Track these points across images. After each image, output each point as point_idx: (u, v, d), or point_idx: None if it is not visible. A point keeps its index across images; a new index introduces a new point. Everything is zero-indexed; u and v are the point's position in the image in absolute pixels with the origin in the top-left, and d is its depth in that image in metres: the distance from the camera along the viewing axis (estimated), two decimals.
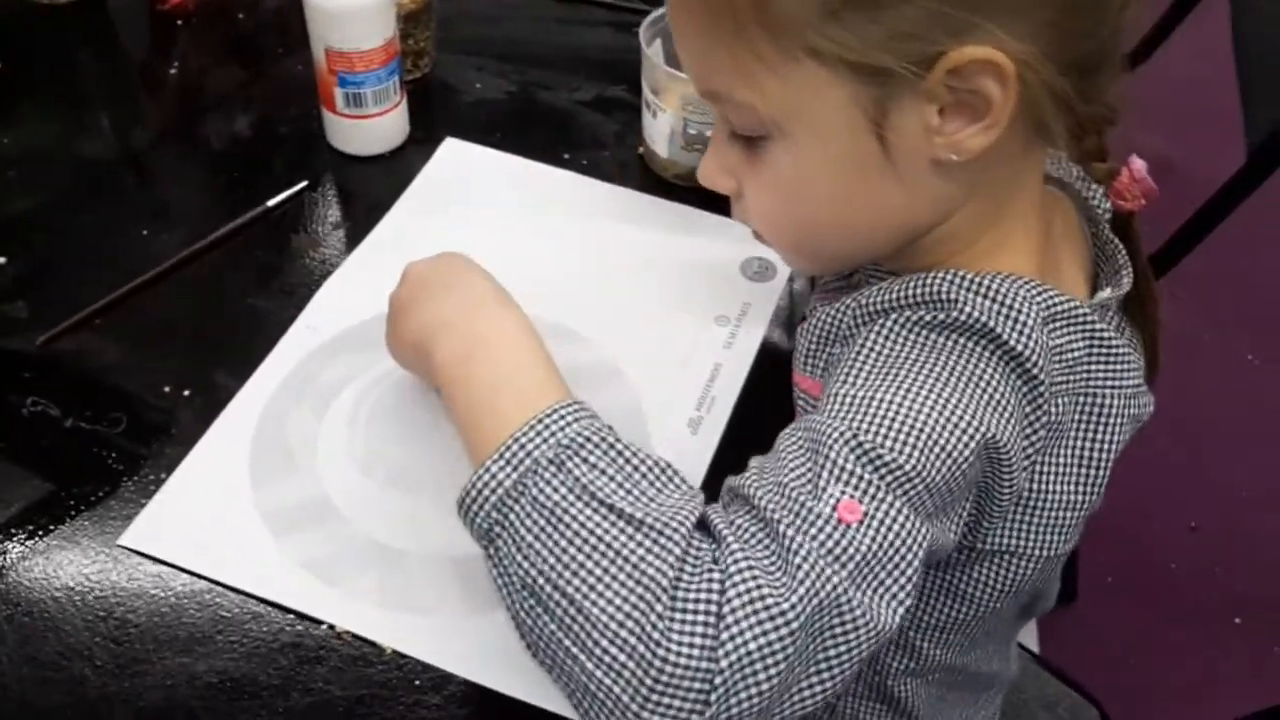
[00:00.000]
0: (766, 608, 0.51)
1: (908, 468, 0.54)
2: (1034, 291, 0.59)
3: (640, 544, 0.53)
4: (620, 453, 0.57)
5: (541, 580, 0.54)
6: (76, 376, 0.79)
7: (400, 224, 0.88)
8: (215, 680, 0.64)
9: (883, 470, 0.54)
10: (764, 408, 0.77)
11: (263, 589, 0.67)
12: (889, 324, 0.59)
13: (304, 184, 0.91)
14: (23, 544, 0.69)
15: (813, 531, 0.53)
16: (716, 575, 0.52)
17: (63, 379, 0.78)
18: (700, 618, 0.51)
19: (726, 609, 0.51)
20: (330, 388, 0.77)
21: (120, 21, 1.07)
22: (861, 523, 0.53)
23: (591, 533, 0.54)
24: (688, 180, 0.90)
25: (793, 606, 0.51)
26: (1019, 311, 0.57)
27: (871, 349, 0.59)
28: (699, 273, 0.85)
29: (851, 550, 0.53)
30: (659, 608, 0.51)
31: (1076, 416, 0.62)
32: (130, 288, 0.83)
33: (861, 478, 0.54)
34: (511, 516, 0.56)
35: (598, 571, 0.53)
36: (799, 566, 0.52)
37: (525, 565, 0.55)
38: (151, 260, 0.85)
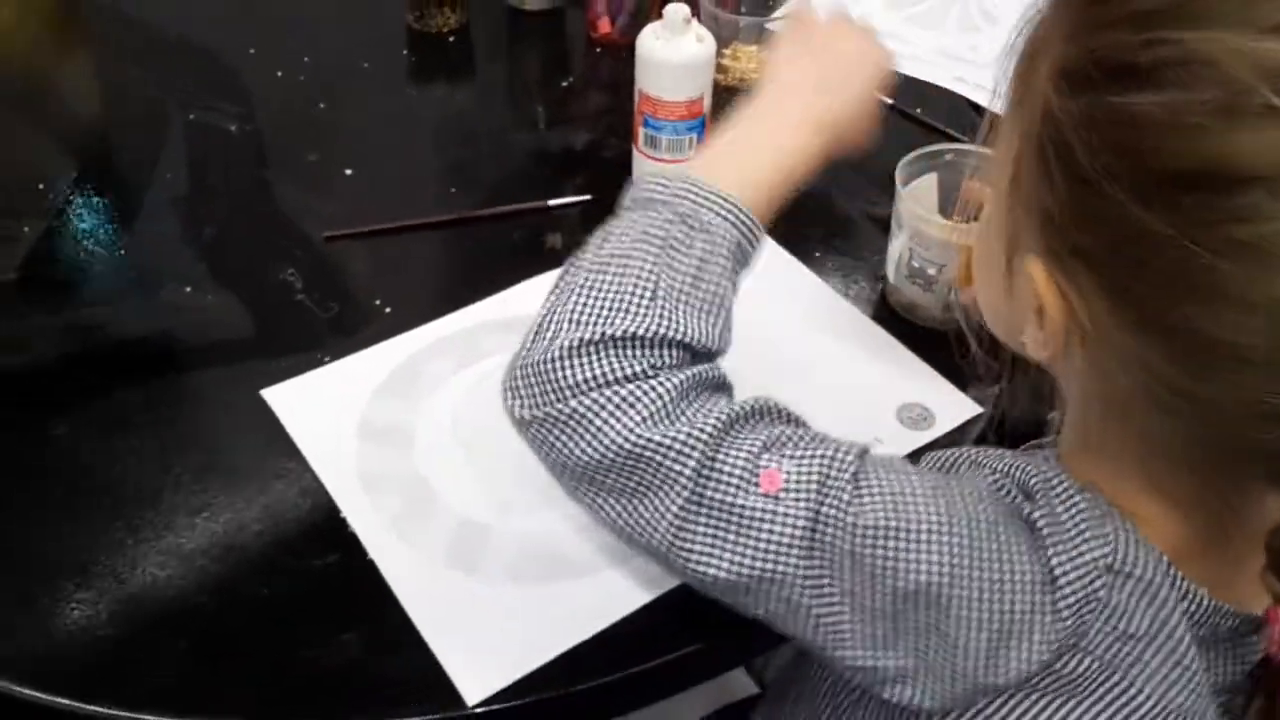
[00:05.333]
0: (638, 399, 0.58)
1: (850, 521, 0.54)
2: (1117, 533, 0.55)
3: (642, 284, 0.61)
4: (708, 253, 0.63)
5: (586, 255, 0.64)
6: (327, 267, 0.96)
7: None
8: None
9: (835, 499, 0.55)
10: None
11: (317, 462, 0.80)
12: (989, 483, 0.59)
13: (589, 197, 1.02)
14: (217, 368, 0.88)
15: (736, 453, 0.56)
16: (647, 358, 0.59)
17: (316, 263, 0.96)
18: (598, 352, 0.59)
19: (618, 366, 0.58)
20: (481, 351, 0.87)
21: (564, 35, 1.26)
22: (767, 494, 0.55)
23: (629, 252, 0.62)
24: (905, 311, 0.91)
25: (646, 421, 0.57)
26: (1081, 540, 0.54)
27: (962, 486, 0.58)
28: (853, 399, 0.85)
29: (728, 496, 0.56)
30: (600, 314, 0.60)
31: (1101, 695, 0.55)
32: (410, 224, 0.99)
33: (818, 481, 0.55)
34: (624, 215, 0.66)
35: (611, 275, 0.61)
36: (700, 435, 0.56)
37: (592, 246, 0.65)
38: (441, 208, 1.01)
